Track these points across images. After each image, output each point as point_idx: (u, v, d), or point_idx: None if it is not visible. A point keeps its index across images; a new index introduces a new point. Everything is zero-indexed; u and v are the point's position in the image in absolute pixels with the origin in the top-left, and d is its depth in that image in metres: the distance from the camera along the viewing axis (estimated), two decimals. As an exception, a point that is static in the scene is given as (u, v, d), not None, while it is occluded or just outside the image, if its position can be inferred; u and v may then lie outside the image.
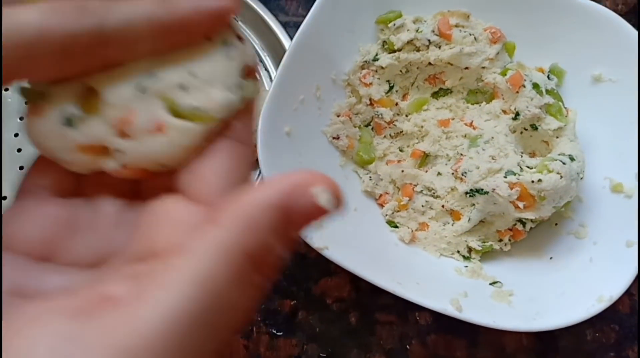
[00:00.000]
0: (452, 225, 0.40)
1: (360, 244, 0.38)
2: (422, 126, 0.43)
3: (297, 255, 0.43)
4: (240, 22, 0.52)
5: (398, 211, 0.42)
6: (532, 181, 0.36)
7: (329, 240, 0.36)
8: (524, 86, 0.40)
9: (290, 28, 0.50)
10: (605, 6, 0.47)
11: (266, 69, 0.50)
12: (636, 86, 0.40)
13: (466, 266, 0.39)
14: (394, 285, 0.34)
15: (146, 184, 0.20)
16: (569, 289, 0.36)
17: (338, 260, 0.34)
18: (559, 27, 0.43)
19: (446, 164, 0.41)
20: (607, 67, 0.42)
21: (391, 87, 0.44)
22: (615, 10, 0.51)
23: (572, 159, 0.38)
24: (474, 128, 0.41)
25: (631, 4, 0.54)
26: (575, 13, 0.42)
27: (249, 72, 0.20)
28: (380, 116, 0.44)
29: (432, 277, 0.37)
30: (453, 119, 0.43)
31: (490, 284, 0.38)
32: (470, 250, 0.40)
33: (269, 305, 0.42)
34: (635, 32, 0.41)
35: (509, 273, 0.38)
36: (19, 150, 0.47)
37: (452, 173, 0.40)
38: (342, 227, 0.39)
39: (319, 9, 0.41)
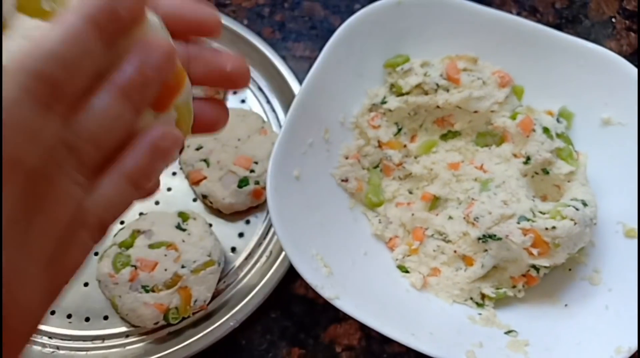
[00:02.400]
0: (465, 271, 0.39)
1: (371, 291, 0.37)
2: (431, 169, 0.43)
3: (306, 300, 0.43)
4: (248, 64, 0.52)
5: (409, 255, 0.42)
6: (546, 228, 0.35)
7: (339, 288, 0.35)
8: (534, 130, 0.40)
9: (298, 70, 0.50)
10: (610, 47, 0.47)
11: (274, 111, 0.50)
12: (646, 130, 0.39)
13: (480, 314, 0.38)
14: (408, 336, 0.33)
15: None
16: (585, 339, 0.35)
17: (350, 311, 0.34)
18: (566, 69, 0.43)
19: (457, 208, 0.41)
20: (615, 110, 0.42)
21: (399, 130, 0.44)
22: (620, 52, 0.52)
23: (584, 204, 0.37)
24: (485, 171, 0.41)
25: (635, 45, 0.55)
26: (581, 56, 0.43)
27: None
28: (389, 158, 0.44)
29: (445, 326, 0.36)
30: (463, 162, 0.43)
31: (505, 333, 0.37)
32: (483, 296, 0.39)
33: (276, 353, 0.41)
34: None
35: (524, 321, 0.38)
36: None
37: (464, 218, 0.39)
38: (353, 273, 0.38)
39: (328, 53, 0.41)
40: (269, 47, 0.52)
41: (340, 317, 0.42)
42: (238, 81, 0.25)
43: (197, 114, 0.23)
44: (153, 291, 0.39)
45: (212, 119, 0.25)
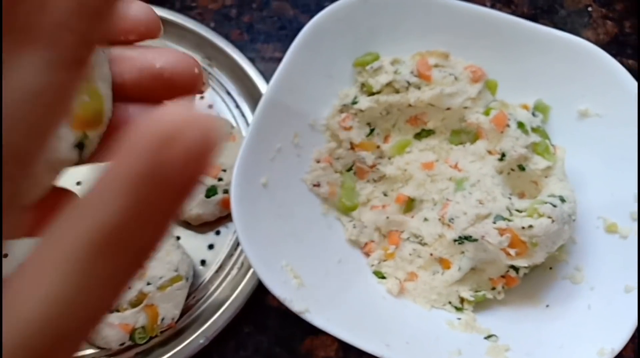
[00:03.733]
0: (442, 274, 0.38)
1: (345, 301, 0.36)
2: (405, 170, 0.42)
3: (280, 312, 0.41)
4: (215, 68, 0.51)
5: (385, 260, 0.40)
6: (523, 227, 0.34)
7: (310, 300, 0.34)
8: (509, 126, 0.38)
9: (268, 72, 0.49)
10: (587, 37, 0.46)
11: (243, 116, 0.49)
12: (626, 119, 0.38)
13: (459, 319, 0.37)
14: (382, 348, 0.32)
15: None
16: (568, 341, 0.34)
17: (320, 324, 0.32)
18: (541, 61, 0.42)
19: (432, 209, 0.40)
20: (592, 101, 0.41)
21: (372, 130, 0.43)
22: (596, 41, 0.51)
23: (562, 200, 0.36)
24: (459, 170, 0.40)
25: (612, 33, 0.53)
26: (556, 47, 0.41)
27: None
28: (362, 159, 0.42)
29: (423, 334, 0.35)
30: (437, 161, 0.41)
31: (485, 338, 0.35)
32: (462, 300, 0.38)
33: (252, 368, 0.39)
34: (618, 65, 0.39)
35: (504, 324, 0.36)
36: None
37: (439, 219, 0.38)
38: (326, 283, 0.37)
39: (294, 54, 0.40)
40: (236, 50, 0.50)
41: (317, 328, 0.40)
42: (177, 83, 0.19)
43: (131, 123, 0.20)
44: (117, 310, 0.38)
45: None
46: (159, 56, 0.19)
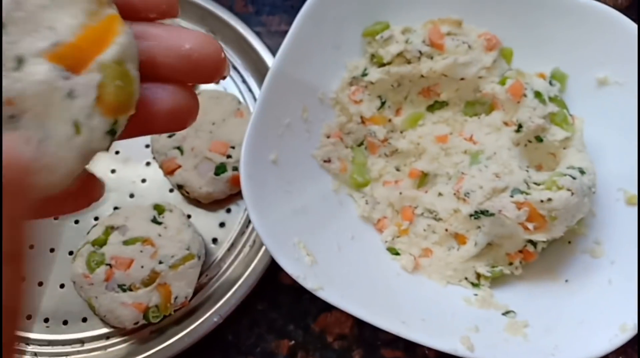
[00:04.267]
0: (458, 250, 0.37)
1: (358, 278, 0.35)
2: (418, 143, 0.41)
3: (293, 289, 0.41)
4: (220, 42, 0.49)
5: (398, 236, 0.39)
6: (542, 201, 0.33)
7: (323, 277, 0.33)
8: (525, 95, 0.37)
9: (274, 45, 0.47)
10: (604, 2, 0.44)
11: (250, 92, 0.47)
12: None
13: (476, 295, 0.36)
14: (398, 325, 0.31)
15: None
16: (588, 317, 0.33)
17: (335, 301, 0.32)
18: (558, 28, 0.40)
19: (447, 184, 0.39)
20: (612, 68, 0.39)
21: (383, 103, 0.41)
22: (615, 6, 0.49)
23: (582, 172, 0.35)
24: (474, 143, 0.39)
25: (631, -3, 0.51)
26: (573, 12, 0.39)
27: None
28: (373, 134, 0.41)
29: (439, 310, 0.34)
30: (451, 134, 0.40)
31: (502, 314, 0.35)
32: (479, 276, 0.37)
33: (265, 347, 0.39)
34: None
35: (522, 300, 0.35)
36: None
37: (454, 194, 0.37)
38: (339, 260, 0.36)
39: (300, 25, 0.38)
40: (241, 22, 0.48)
41: (331, 305, 0.40)
42: (204, 66, 0.19)
43: (155, 104, 0.19)
44: (130, 290, 0.37)
45: (175, 109, 0.19)
46: (188, 36, 0.19)
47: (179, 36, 0.19)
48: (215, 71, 0.19)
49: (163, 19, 0.20)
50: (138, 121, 0.18)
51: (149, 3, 0.19)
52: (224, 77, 0.20)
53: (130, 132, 0.19)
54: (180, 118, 0.19)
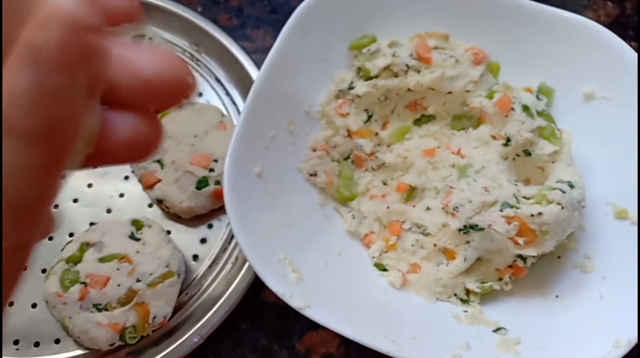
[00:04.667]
0: (447, 265, 0.36)
1: (346, 295, 0.34)
2: (405, 157, 0.40)
3: (277, 307, 0.39)
4: (203, 54, 0.48)
5: (386, 252, 0.38)
6: (532, 215, 0.32)
7: (310, 295, 0.32)
8: (513, 109, 0.37)
9: (259, 58, 0.47)
10: (587, 18, 0.44)
11: (234, 104, 0.46)
12: (633, 102, 0.37)
13: (465, 312, 0.35)
14: (388, 344, 0.30)
15: None
16: (581, 333, 0.32)
17: (322, 320, 0.30)
18: (544, 43, 0.40)
19: (435, 198, 0.38)
20: (598, 83, 0.39)
21: (370, 117, 0.41)
22: (597, 22, 0.49)
23: (571, 186, 0.34)
24: (462, 157, 0.38)
25: (613, 14, 0.52)
26: (559, 27, 0.40)
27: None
28: (360, 147, 0.40)
29: (428, 328, 0.33)
30: (439, 147, 0.40)
31: (493, 331, 0.34)
32: (468, 292, 0.36)
33: (249, 368, 0.38)
34: (625, 45, 0.38)
35: (513, 317, 0.35)
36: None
37: (443, 208, 0.36)
38: (326, 277, 0.35)
39: (286, 38, 0.38)
40: (225, 35, 0.48)
41: (317, 323, 0.38)
42: (168, 91, 0.17)
43: (113, 134, 0.17)
44: (106, 309, 0.36)
45: (135, 140, 0.17)
46: (151, 58, 0.17)
47: (142, 58, 0.17)
48: (179, 94, 0.17)
49: (123, 24, 0.18)
50: (95, 153, 0.16)
51: (107, 7, 0.17)
52: (188, 98, 0.19)
53: (86, 164, 0.17)
54: (140, 149, 0.17)
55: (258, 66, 0.46)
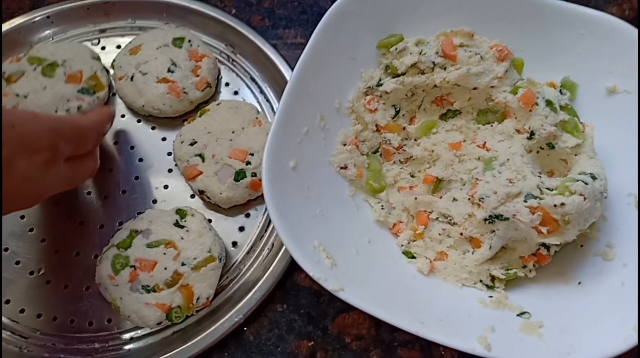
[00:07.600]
0: (473, 253, 0.38)
1: (376, 280, 0.36)
2: (432, 150, 0.42)
3: (311, 291, 0.42)
4: (239, 55, 0.51)
5: (414, 240, 0.40)
6: (555, 205, 0.34)
7: (343, 279, 0.34)
8: (537, 104, 0.38)
9: (290, 57, 0.49)
10: (612, 13, 0.45)
11: (268, 101, 0.49)
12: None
13: (490, 297, 0.37)
14: (417, 325, 0.32)
15: None
16: (602, 317, 0.34)
17: (355, 302, 0.32)
18: (567, 39, 0.42)
19: (461, 189, 0.40)
20: (620, 77, 0.40)
21: (397, 112, 0.43)
22: (622, 16, 0.50)
23: (593, 178, 0.36)
24: (488, 150, 0.40)
25: (638, 8, 0.53)
26: (582, 23, 0.41)
27: None
28: (388, 141, 0.42)
29: (455, 311, 0.35)
30: (464, 141, 0.41)
31: (517, 315, 0.36)
32: (493, 278, 0.38)
33: (285, 347, 0.40)
34: None
35: (537, 302, 0.36)
36: None
37: (469, 199, 0.38)
38: (357, 263, 0.37)
39: (318, 38, 0.40)
40: (258, 36, 0.50)
41: (348, 306, 0.41)
42: None
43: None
44: (154, 291, 0.39)
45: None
46: None
47: None
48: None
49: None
50: None
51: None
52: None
53: None
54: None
55: (289, 64, 0.48)
